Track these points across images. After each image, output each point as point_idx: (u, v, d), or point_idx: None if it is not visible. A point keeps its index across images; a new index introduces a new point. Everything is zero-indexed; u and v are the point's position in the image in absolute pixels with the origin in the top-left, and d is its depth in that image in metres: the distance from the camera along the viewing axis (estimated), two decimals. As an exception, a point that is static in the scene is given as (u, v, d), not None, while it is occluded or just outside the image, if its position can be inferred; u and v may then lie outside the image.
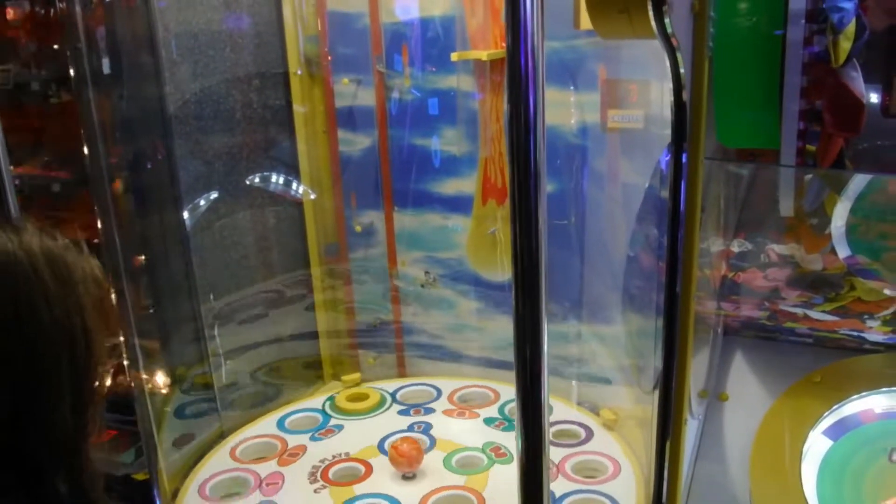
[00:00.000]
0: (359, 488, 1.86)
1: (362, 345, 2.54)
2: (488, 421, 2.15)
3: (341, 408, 2.26)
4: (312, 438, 2.10)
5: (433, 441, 2.05)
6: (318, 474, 1.92)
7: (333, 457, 1.99)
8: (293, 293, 2.48)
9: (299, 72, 2.30)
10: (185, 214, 2.13)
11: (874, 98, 1.53)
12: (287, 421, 2.21)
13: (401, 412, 2.24)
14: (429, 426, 2.13)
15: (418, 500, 1.79)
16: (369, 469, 1.94)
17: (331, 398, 2.31)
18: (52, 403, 0.74)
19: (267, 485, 1.89)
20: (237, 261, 2.31)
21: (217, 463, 2.00)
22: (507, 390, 2.27)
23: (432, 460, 1.95)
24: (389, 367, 2.53)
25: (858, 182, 1.61)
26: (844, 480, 1.72)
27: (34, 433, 0.73)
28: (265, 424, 2.20)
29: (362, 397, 2.31)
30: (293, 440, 2.09)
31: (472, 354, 2.42)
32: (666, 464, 1.55)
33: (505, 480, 1.82)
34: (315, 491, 1.86)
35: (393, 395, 2.33)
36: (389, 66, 2.27)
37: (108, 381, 0.84)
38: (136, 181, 2.08)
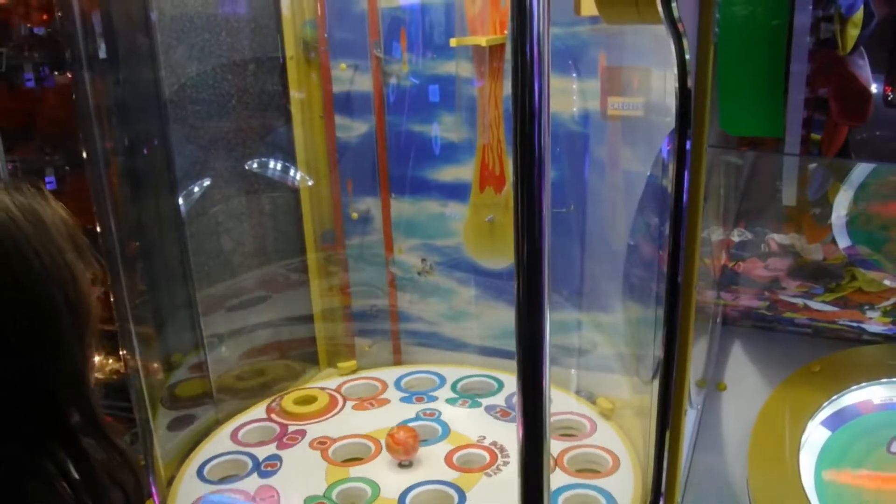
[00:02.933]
0: (354, 471, 1.86)
1: (358, 332, 2.53)
2: (489, 409, 2.14)
3: (288, 411, 2.16)
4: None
5: (446, 431, 2.04)
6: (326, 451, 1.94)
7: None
8: (289, 280, 2.47)
9: (292, 56, 2.27)
10: (181, 200, 2.11)
11: (874, 88, 1.52)
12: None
13: (403, 399, 2.23)
14: (439, 413, 2.13)
15: (402, 489, 1.78)
16: (376, 452, 1.94)
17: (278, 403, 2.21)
18: (59, 342, 0.80)
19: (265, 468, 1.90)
20: (233, 247, 2.29)
21: (213, 448, 2.00)
22: (509, 379, 2.27)
23: (439, 451, 1.94)
24: (386, 354, 2.52)
25: (860, 172, 1.60)
26: (842, 471, 1.72)
27: (47, 372, 0.79)
28: (260, 411, 2.19)
29: (309, 400, 2.21)
30: (293, 424, 2.10)
31: (469, 342, 2.41)
32: (665, 453, 1.55)
33: (499, 480, 1.80)
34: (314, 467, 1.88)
35: (344, 395, 2.26)
36: (388, 51, 2.25)
37: (99, 308, 0.89)
38: (132, 166, 2.06)
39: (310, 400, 2.20)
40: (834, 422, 1.79)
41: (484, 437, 1.98)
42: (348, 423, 2.09)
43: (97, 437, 0.83)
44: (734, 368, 1.98)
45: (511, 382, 2.20)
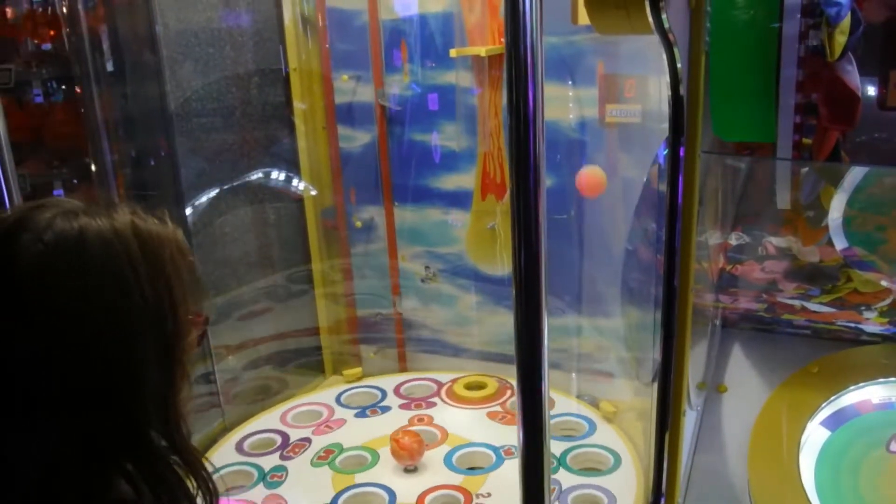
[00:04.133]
0: (360, 477, 1.88)
1: (363, 339, 2.55)
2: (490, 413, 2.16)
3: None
4: (315, 432, 2.12)
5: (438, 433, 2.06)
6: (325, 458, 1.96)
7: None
8: (294, 288, 2.50)
9: (295, 68, 2.31)
10: (187, 211, 2.14)
11: (871, 91, 1.55)
12: (290, 415, 2.23)
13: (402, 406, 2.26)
14: (433, 419, 2.15)
15: (412, 494, 1.80)
16: (375, 458, 1.96)
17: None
18: (141, 373, 0.79)
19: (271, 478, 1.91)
20: (239, 257, 2.32)
21: (221, 456, 2.02)
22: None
23: (438, 454, 1.96)
24: (391, 361, 2.54)
25: (855, 174, 1.62)
26: (842, 470, 1.74)
27: (128, 397, 0.78)
28: (267, 419, 2.21)
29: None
30: (295, 433, 2.11)
31: (473, 348, 2.43)
32: (665, 455, 1.57)
33: (504, 482, 1.83)
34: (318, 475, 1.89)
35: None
36: (388, 63, 2.29)
37: (196, 339, 0.88)
38: (139, 178, 2.09)
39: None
40: (833, 422, 1.80)
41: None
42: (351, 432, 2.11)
43: (179, 463, 0.82)
44: (734, 370, 2.00)
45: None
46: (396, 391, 2.35)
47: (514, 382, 1.02)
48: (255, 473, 1.93)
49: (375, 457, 1.97)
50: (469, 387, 2.31)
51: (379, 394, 2.34)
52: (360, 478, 1.88)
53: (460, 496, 1.79)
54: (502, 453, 1.95)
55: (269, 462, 1.98)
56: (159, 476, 0.80)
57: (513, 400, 2.19)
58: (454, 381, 2.35)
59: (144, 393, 0.80)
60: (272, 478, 1.91)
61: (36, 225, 0.75)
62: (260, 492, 1.86)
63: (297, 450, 2.03)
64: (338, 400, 2.31)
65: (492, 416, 2.16)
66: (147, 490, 0.79)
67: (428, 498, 1.79)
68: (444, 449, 1.99)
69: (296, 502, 1.81)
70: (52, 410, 0.74)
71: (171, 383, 0.83)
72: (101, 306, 0.75)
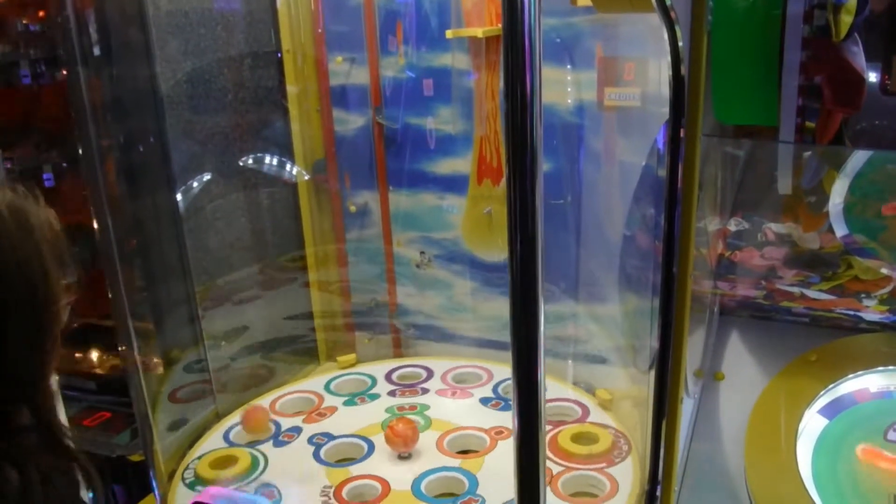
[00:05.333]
0: (355, 469, 1.86)
1: (358, 325, 2.54)
2: (483, 401, 2.14)
3: (203, 476, 1.86)
4: (305, 420, 2.10)
5: (428, 421, 2.04)
6: (319, 452, 1.93)
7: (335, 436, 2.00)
8: (288, 274, 2.47)
9: (288, 49, 2.27)
10: (179, 196, 2.11)
11: (873, 77, 1.52)
12: (278, 403, 2.21)
13: (390, 392, 2.24)
14: (424, 406, 2.13)
15: (412, 480, 1.78)
16: (367, 448, 1.94)
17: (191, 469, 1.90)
18: (12, 342, 0.80)
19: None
20: (231, 242, 2.29)
21: (213, 443, 2.00)
22: (502, 370, 2.27)
23: (428, 440, 1.94)
24: (385, 348, 2.53)
25: (857, 160, 1.60)
26: (839, 459, 1.73)
27: None
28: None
29: (230, 461, 1.91)
30: (287, 422, 2.09)
31: (468, 335, 2.42)
32: (662, 443, 1.56)
33: (501, 461, 1.82)
34: (312, 471, 1.87)
35: (265, 459, 1.94)
36: (383, 45, 2.25)
37: (65, 316, 0.89)
38: (129, 162, 2.06)
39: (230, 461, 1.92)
40: (831, 410, 1.79)
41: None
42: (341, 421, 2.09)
43: (47, 440, 0.83)
44: (732, 358, 1.98)
45: (505, 372, 2.24)
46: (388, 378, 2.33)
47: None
48: (249, 460, 1.91)
49: (370, 445, 1.95)
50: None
51: (369, 381, 2.31)
52: (355, 470, 1.86)
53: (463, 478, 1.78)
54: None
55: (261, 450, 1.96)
56: (26, 455, 0.80)
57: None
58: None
59: (17, 370, 0.81)
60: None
61: None
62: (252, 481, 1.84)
63: (288, 438, 2.01)
64: (327, 388, 2.28)
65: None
66: (14, 472, 0.79)
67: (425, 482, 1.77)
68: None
69: (287, 491, 1.79)
70: None
71: (42, 358, 0.84)
72: None
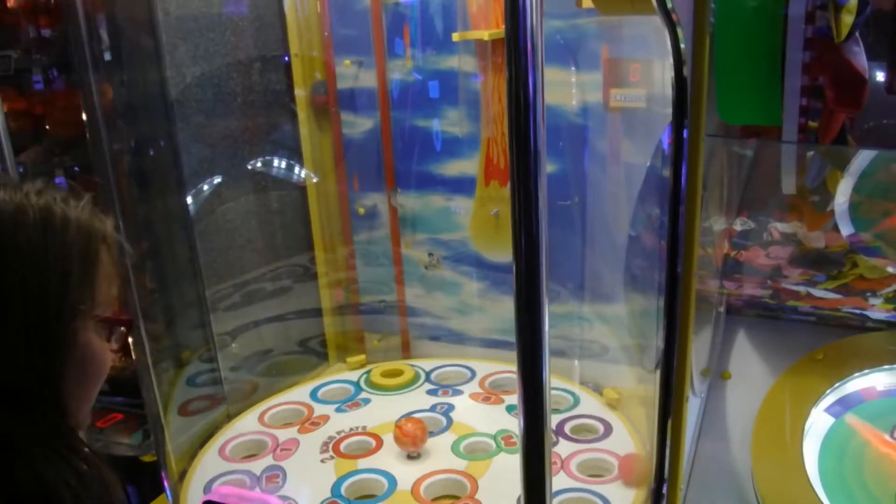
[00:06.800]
0: (363, 463, 1.88)
1: (367, 326, 2.55)
2: (510, 408, 2.14)
3: (375, 383, 2.30)
4: (338, 410, 2.14)
5: (450, 422, 2.06)
6: (331, 445, 1.96)
7: (350, 429, 2.03)
8: (298, 276, 2.49)
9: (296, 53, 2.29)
10: (189, 199, 2.14)
11: (880, 77, 1.52)
12: (319, 392, 2.26)
13: (429, 392, 2.26)
14: (451, 407, 2.14)
15: (414, 480, 1.80)
16: (379, 444, 1.96)
17: (367, 373, 2.36)
18: (13, 336, 0.78)
19: (281, 450, 1.93)
20: (241, 244, 2.31)
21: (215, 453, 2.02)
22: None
23: (443, 442, 1.96)
24: (394, 350, 2.54)
25: (862, 160, 1.60)
26: (846, 457, 1.73)
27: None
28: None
29: (396, 373, 2.34)
30: (319, 409, 2.14)
31: (477, 335, 2.43)
32: (668, 442, 1.57)
33: (508, 468, 1.82)
34: (322, 461, 1.89)
35: (428, 374, 2.35)
36: (391, 47, 2.27)
37: (118, 343, 0.88)
38: (140, 166, 2.08)
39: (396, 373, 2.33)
40: (837, 409, 1.79)
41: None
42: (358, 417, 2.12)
43: (59, 448, 0.81)
44: (738, 357, 1.99)
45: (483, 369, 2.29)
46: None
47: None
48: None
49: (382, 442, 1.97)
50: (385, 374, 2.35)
51: (353, 388, 2.32)
52: (362, 463, 1.88)
53: (466, 482, 1.79)
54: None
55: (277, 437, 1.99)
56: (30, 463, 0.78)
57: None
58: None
59: (15, 374, 0.78)
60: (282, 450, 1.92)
61: None
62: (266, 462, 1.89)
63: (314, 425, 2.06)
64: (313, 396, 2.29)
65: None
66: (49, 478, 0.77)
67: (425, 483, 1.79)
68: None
69: (298, 487, 1.81)
70: None
71: (55, 365, 0.81)
72: None
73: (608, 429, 1.97)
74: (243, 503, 1.19)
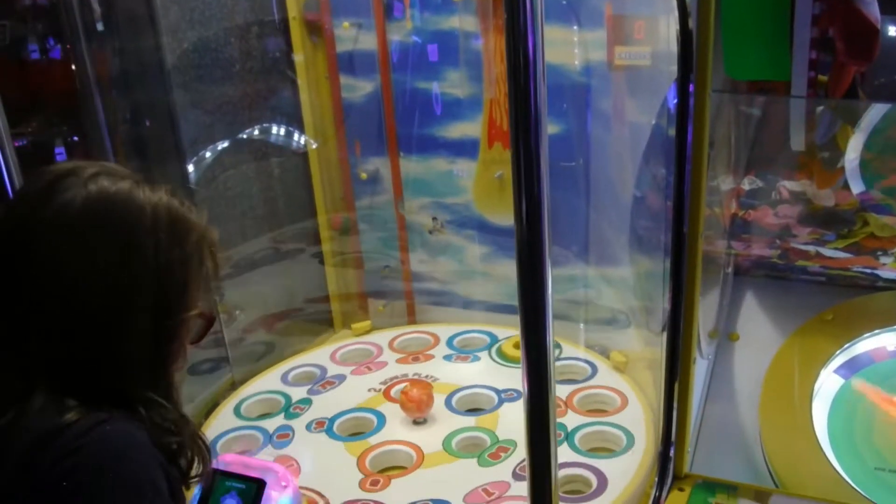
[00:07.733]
0: (374, 439, 1.86)
1: (371, 293, 2.54)
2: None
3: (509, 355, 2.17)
4: (311, 392, 2.09)
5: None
6: (332, 427, 1.93)
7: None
8: (301, 243, 2.48)
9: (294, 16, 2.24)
10: (190, 167, 2.11)
11: (893, 30, 1.48)
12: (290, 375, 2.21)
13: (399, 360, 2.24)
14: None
15: (436, 444, 1.80)
16: (378, 418, 1.94)
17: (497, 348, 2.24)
18: (133, 338, 0.85)
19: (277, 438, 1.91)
20: (243, 212, 2.29)
21: (230, 412, 2.02)
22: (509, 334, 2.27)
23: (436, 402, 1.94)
24: (399, 315, 2.53)
25: (874, 115, 1.57)
26: (855, 419, 1.72)
27: (115, 362, 0.85)
28: (269, 378, 2.19)
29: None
30: (296, 393, 2.09)
31: (482, 300, 2.41)
32: (675, 404, 1.56)
33: (514, 418, 1.82)
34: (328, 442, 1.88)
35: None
36: (389, 9, 2.22)
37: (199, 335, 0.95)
38: (138, 134, 2.06)
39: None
40: (847, 370, 1.78)
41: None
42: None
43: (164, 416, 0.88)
44: (746, 318, 1.97)
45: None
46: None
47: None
48: (261, 437, 1.90)
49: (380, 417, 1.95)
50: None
51: (374, 350, 2.31)
52: (374, 440, 1.85)
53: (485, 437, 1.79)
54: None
55: (273, 424, 1.96)
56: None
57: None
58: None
59: (129, 355, 0.85)
60: (279, 438, 1.90)
61: (84, 172, 0.84)
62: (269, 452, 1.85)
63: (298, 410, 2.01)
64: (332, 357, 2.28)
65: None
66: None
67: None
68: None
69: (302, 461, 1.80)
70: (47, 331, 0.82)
71: (165, 357, 0.89)
72: (108, 263, 0.83)
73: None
74: (248, 471, 1.18)
